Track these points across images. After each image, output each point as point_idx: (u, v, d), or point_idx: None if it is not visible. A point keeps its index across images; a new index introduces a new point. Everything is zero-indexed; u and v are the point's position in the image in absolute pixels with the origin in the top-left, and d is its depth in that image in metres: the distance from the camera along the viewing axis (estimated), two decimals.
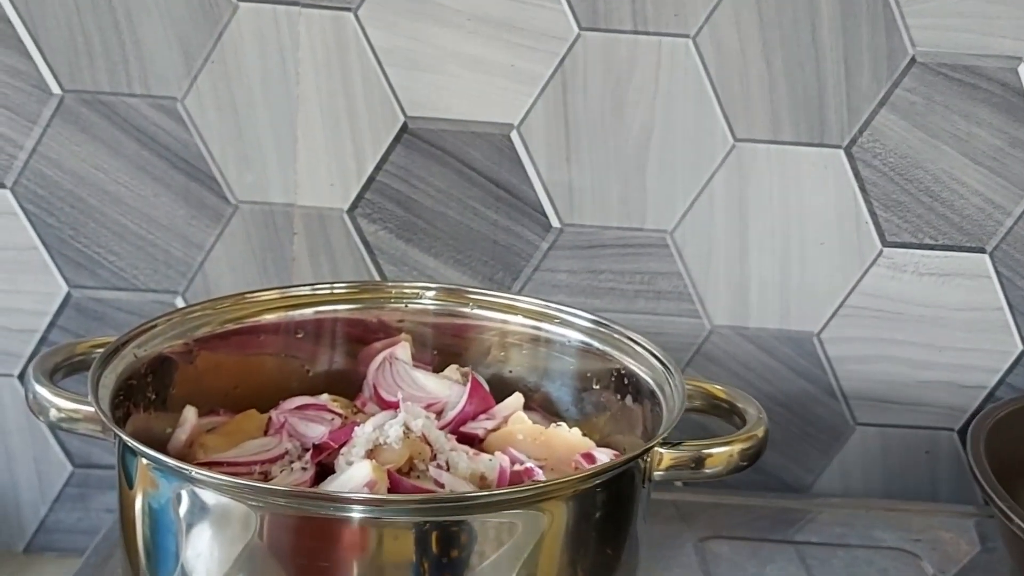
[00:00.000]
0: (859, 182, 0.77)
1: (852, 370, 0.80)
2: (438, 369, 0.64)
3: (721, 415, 0.57)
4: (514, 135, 0.77)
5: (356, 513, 0.47)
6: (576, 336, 0.63)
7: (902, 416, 0.81)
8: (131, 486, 0.51)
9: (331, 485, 0.52)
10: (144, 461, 0.50)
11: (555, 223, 0.78)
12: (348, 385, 0.65)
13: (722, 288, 0.79)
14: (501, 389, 0.63)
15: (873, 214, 0.78)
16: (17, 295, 0.78)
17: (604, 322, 0.62)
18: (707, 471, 0.52)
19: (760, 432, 0.54)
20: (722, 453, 0.52)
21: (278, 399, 0.63)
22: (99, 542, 0.66)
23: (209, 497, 0.48)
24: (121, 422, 0.53)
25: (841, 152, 0.77)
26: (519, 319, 0.64)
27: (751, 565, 0.66)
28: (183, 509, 0.48)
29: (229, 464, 0.53)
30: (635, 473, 0.51)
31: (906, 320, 0.79)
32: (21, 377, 0.79)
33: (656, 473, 0.52)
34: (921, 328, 0.79)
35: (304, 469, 0.54)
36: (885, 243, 0.78)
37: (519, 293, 0.76)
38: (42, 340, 0.78)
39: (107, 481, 0.79)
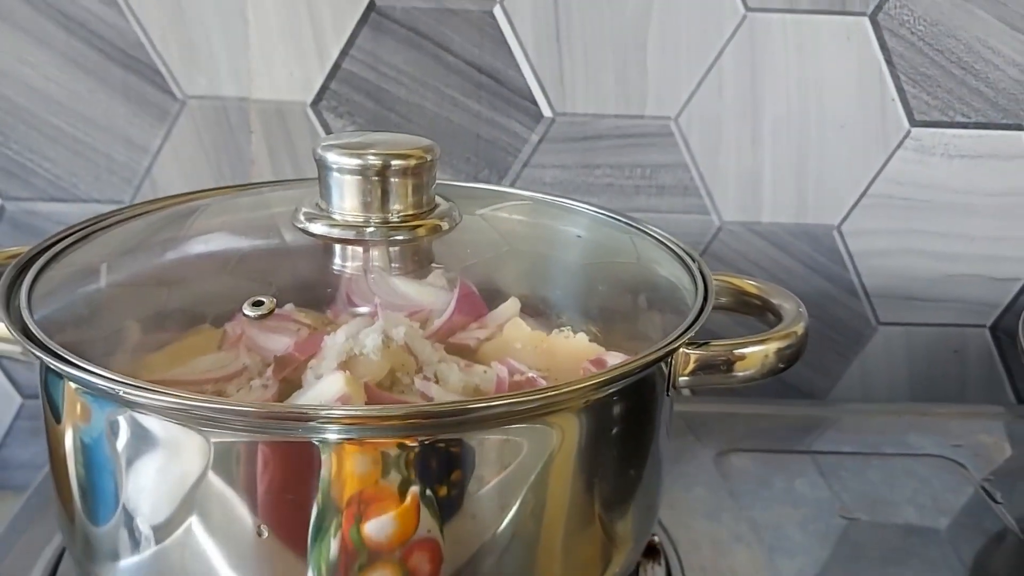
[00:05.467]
0: (885, 54, 0.69)
1: (875, 265, 0.73)
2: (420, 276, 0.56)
3: (753, 313, 0.49)
4: (497, 11, 0.68)
5: (328, 433, 0.39)
6: (578, 231, 0.54)
7: (928, 313, 0.74)
8: (58, 419, 0.43)
9: (297, 401, 0.43)
10: (71, 385, 0.42)
11: (546, 112, 0.70)
12: (319, 301, 0.56)
13: (732, 180, 0.71)
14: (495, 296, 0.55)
15: (900, 90, 0.70)
16: None
17: (610, 214, 0.54)
18: (739, 374, 0.44)
19: (800, 329, 0.46)
20: (756, 353, 0.44)
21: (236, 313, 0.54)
22: (43, 481, 0.58)
23: (149, 423, 0.40)
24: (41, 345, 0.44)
25: (865, 20, 0.68)
26: (513, 216, 0.56)
27: (778, 479, 0.60)
28: (120, 441, 0.40)
29: (173, 384, 0.44)
30: (657, 378, 0.44)
31: (934, 208, 0.72)
32: None
33: (681, 378, 0.44)
34: (951, 217, 0.72)
35: (265, 387, 0.45)
36: (913, 122, 0.70)
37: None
38: None
39: None
